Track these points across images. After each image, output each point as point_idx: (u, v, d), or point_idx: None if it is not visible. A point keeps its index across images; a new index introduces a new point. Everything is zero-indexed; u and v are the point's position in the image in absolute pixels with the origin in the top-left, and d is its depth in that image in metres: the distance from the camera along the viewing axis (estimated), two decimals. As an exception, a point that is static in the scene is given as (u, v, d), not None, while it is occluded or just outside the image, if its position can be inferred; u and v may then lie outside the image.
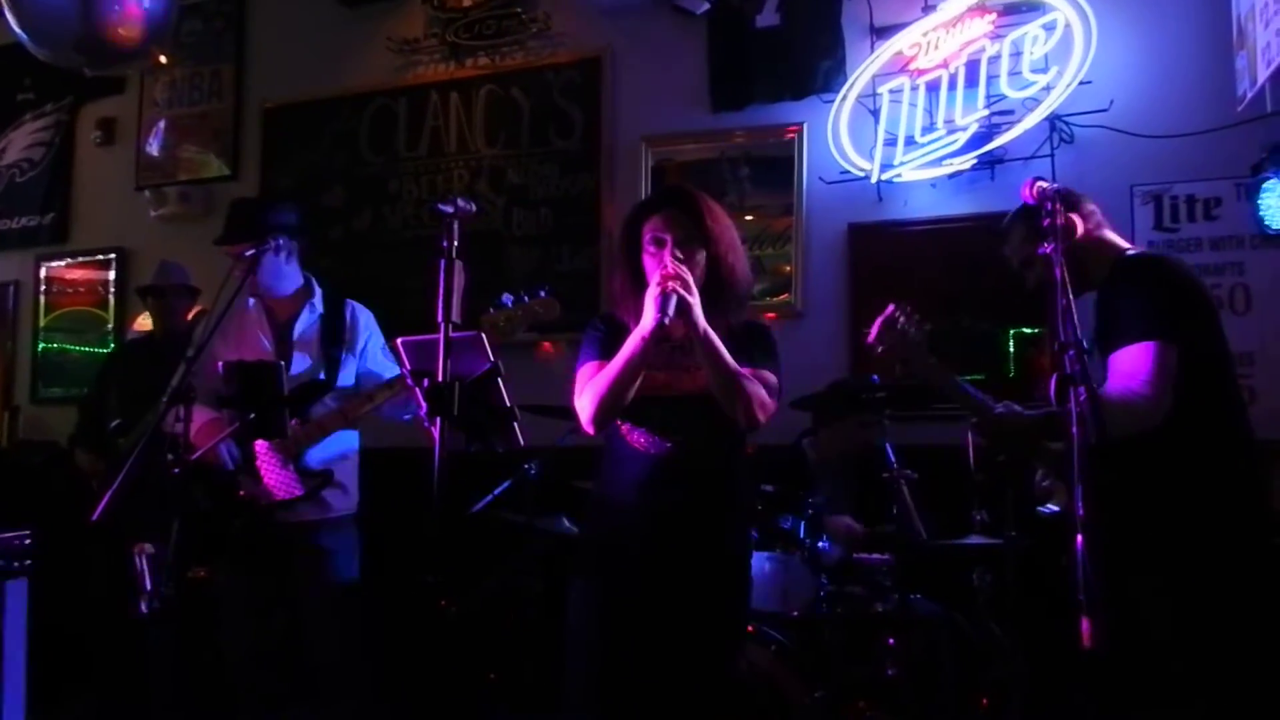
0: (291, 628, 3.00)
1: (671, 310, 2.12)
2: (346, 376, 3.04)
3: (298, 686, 3.06)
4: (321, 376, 2.99)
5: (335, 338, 3.04)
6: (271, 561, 2.93)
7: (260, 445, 2.87)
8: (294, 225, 3.11)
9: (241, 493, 2.86)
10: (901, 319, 2.38)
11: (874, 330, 2.40)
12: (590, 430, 2.31)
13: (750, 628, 3.09)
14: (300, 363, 3.02)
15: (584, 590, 2.30)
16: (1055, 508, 2.27)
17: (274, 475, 2.87)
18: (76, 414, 4.36)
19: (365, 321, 3.14)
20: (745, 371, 2.23)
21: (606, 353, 2.30)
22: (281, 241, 3.00)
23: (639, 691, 2.20)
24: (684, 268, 2.19)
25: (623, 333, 2.28)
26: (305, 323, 3.08)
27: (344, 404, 2.92)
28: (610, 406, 2.25)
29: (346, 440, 3.05)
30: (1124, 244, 2.44)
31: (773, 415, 2.29)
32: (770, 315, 2.61)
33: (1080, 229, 2.35)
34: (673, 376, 2.29)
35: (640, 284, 2.26)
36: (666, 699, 2.19)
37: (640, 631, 2.22)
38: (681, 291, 2.14)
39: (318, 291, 3.15)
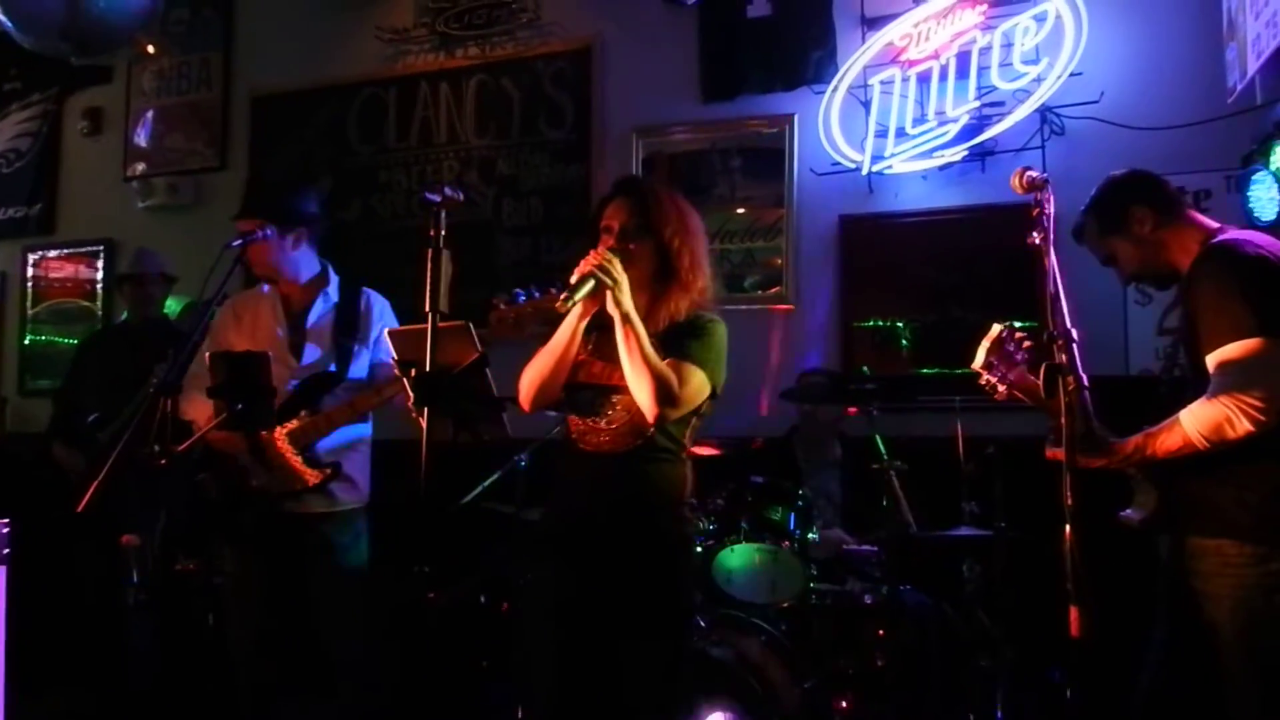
0: (298, 619, 2.96)
1: (579, 294, 2.14)
2: (359, 368, 2.97)
3: (300, 678, 3.04)
4: (332, 368, 2.92)
5: (349, 328, 2.98)
6: (279, 552, 2.89)
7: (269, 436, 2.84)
8: (310, 212, 3.02)
9: (254, 483, 2.83)
10: (1008, 342, 2.29)
11: (981, 353, 2.28)
12: (525, 409, 2.35)
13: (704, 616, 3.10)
14: (311, 353, 2.96)
15: (534, 581, 2.36)
16: (1136, 513, 2.24)
17: (282, 466, 2.83)
18: (51, 406, 4.31)
19: (380, 311, 3.06)
20: (663, 363, 2.19)
21: None
22: (271, 231, 2.94)
23: (587, 679, 2.24)
24: (609, 254, 2.18)
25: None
26: (319, 312, 3.01)
27: (354, 397, 2.87)
28: (539, 387, 2.29)
29: (357, 432, 2.99)
30: (1210, 226, 2.19)
31: (684, 410, 2.23)
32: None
33: (1148, 224, 2.18)
34: (609, 366, 2.28)
35: None
36: (612, 682, 2.21)
37: (583, 620, 2.25)
38: (600, 275, 2.14)
39: (333, 280, 3.08)
